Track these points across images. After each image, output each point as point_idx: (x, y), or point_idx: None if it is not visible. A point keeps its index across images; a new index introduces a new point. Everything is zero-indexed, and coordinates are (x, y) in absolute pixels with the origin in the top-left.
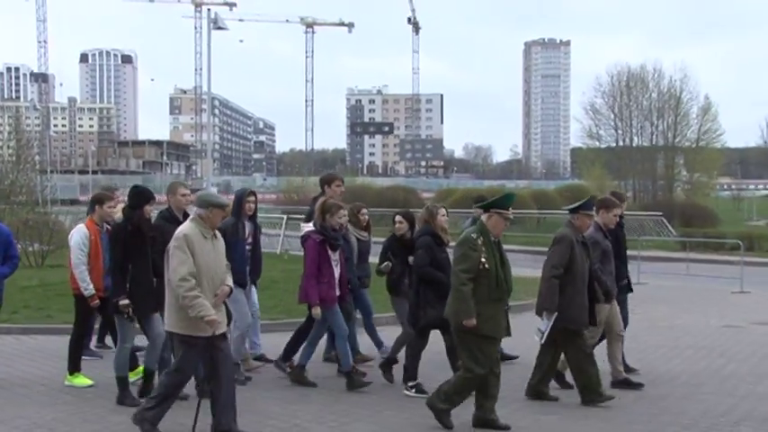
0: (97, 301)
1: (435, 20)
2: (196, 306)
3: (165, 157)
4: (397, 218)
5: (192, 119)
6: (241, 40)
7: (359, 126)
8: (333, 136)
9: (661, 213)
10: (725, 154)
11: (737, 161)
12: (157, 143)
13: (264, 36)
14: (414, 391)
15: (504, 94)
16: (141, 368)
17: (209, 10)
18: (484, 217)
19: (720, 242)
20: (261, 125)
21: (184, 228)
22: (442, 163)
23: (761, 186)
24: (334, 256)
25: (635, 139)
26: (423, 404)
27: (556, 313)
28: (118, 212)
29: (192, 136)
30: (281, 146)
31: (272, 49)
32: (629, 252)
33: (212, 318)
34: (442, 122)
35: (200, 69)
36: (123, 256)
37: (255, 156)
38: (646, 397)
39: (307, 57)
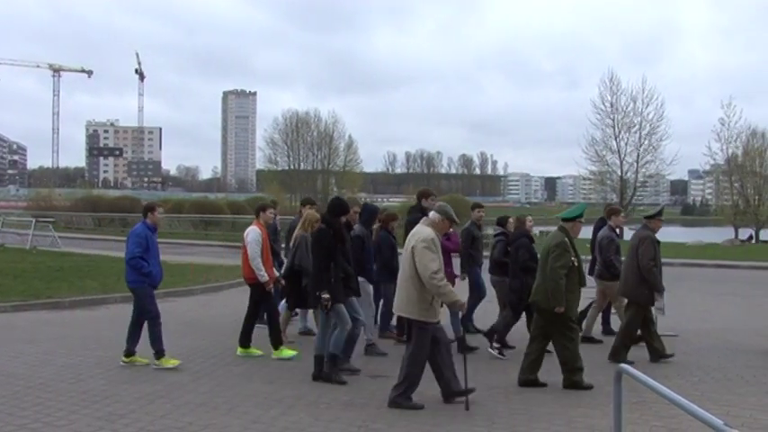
0: (271, 286)
1: (156, 70)
2: (449, 293)
3: None
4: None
5: None
6: None
7: (95, 150)
8: (74, 156)
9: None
10: (362, 176)
11: (371, 181)
12: None
13: (18, 76)
14: (497, 352)
15: (208, 128)
16: (254, 349)
17: None
18: (568, 225)
19: None
20: (14, 147)
21: (429, 232)
22: (160, 179)
23: (385, 199)
24: None
25: (302, 164)
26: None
27: (665, 290)
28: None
29: None
30: (32, 163)
31: (25, 86)
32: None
33: (461, 301)
34: (160, 148)
35: None
36: (326, 257)
37: (10, 171)
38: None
39: (54, 95)
